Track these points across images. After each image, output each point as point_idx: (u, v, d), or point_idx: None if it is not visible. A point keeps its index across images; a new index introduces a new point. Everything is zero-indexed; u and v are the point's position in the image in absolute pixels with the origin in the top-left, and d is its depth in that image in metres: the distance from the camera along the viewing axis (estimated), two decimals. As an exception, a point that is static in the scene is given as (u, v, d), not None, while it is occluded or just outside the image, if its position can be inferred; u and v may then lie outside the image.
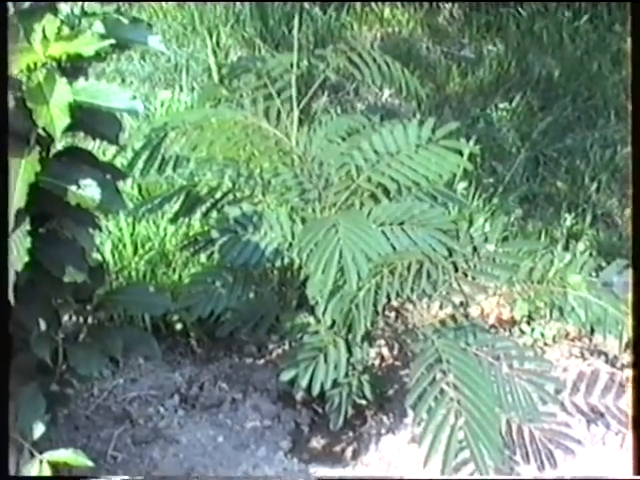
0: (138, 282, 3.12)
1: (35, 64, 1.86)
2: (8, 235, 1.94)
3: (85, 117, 1.95)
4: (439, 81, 4.63)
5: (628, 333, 2.69)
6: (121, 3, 2.14)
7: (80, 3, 2.04)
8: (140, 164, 2.87)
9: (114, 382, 3.02)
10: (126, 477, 2.61)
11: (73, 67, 1.95)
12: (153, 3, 5.05)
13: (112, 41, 1.91)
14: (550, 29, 4.96)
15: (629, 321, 2.67)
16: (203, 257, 3.19)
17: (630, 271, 2.77)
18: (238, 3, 4.98)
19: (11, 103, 1.90)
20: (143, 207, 3.06)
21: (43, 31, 1.88)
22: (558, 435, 2.82)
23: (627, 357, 3.15)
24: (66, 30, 1.93)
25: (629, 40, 4.79)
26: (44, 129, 1.88)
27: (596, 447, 2.90)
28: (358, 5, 5.15)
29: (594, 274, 2.83)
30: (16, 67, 1.85)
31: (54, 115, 1.83)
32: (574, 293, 2.72)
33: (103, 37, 1.93)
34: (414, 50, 4.85)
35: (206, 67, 4.56)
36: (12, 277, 1.95)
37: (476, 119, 4.35)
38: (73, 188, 1.98)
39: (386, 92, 4.57)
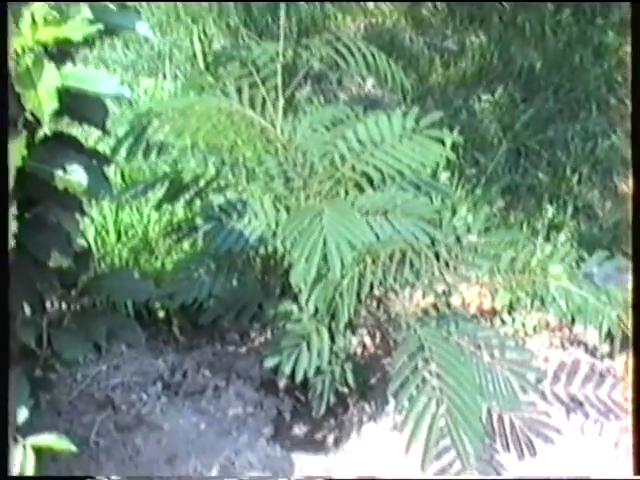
0: (122, 268, 3.13)
1: (23, 48, 1.86)
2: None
3: (72, 102, 1.94)
4: (422, 72, 4.64)
5: (607, 323, 2.72)
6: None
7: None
8: (124, 150, 2.86)
9: (97, 369, 3.02)
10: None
11: (60, 52, 1.94)
12: (136, -9, 5.03)
13: (100, 26, 1.91)
14: (532, 22, 4.97)
15: (608, 311, 2.70)
16: (186, 245, 3.20)
17: (611, 263, 2.81)
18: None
19: (-2, 87, 1.90)
20: (126, 193, 3.06)
21: (32, 16, 1.88)
22: (538, 424, 2.84)
23: (606, 347, 3.18)
24: (54, 15, 1.93)
25: (610, 33, 4.83)
26: (31, 113, 1.88)
27: (575, 435, 2.93)
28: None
29: (575, 265, 2.86)
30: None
31: (42, 99, 1.83)
32: (555, 283, 2.74)
33: (91, 22, 1.93)
34: (397, 41, 4.86)
35: (189, 55, 4.56)
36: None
37: (459, 110, 4.37)
38: (60, 173, 1.98)
39: (369, 82, 4.58)
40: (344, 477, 2.65)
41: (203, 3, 4.92)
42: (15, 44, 1.85)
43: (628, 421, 2.95)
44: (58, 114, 1.93)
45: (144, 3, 5.02)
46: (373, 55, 3.01)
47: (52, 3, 1.96)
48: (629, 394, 2.98)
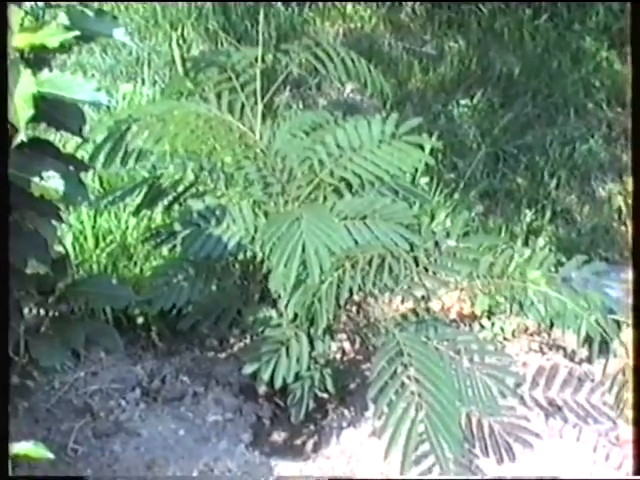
0: (100, 274, 3.11)
1: (-1, 54, 1.85)
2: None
3: (48, 108, 1.93)
4: (401, 77, 4.65)
5: (586, 328, 2.72)
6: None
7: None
8: (102, 156, 2.85)
9: (75, 375, 3.00)
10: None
11: (37, 58, 1.93)
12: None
13: (77, 33, 1.90)
14: (511, 27, 4.99)
15: (587, 316, 2.71)
16: (165, 250, 3.19)
17: (588, 267, 2.82)
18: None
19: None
20: (105, 199, 3.05)
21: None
22: (517, 428, 2.85)
23: (584, 352, 3.19)
24: (30, 21, 1.92)
25: (587, 39, 4.86)
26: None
27: (553, 440, 2.94)
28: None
29: (553, 269, 2.86)
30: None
31: (18, 106, 1.82)
32: (534, 288, 2.75)
33: (67, 29, 1.92)
34: (376, 46, 4.86)
35: (168, 61, 4.54)
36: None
37: (437, 115, 4.38)
38: (36, 179, 1.97)
39: (348, 88, 4.58)
40: (344, 477, 2.65)
41: (182, 6, 4.91)
42: (-10, 50, 1.84)
43: (606, 426, 2.96)
44: (34, 121, 1.92)
45: (123, 8, 5.02)
46: (353, 60, 3.01)
47: (35, 2, 1.95)
48: (607, 398, 2.99)
